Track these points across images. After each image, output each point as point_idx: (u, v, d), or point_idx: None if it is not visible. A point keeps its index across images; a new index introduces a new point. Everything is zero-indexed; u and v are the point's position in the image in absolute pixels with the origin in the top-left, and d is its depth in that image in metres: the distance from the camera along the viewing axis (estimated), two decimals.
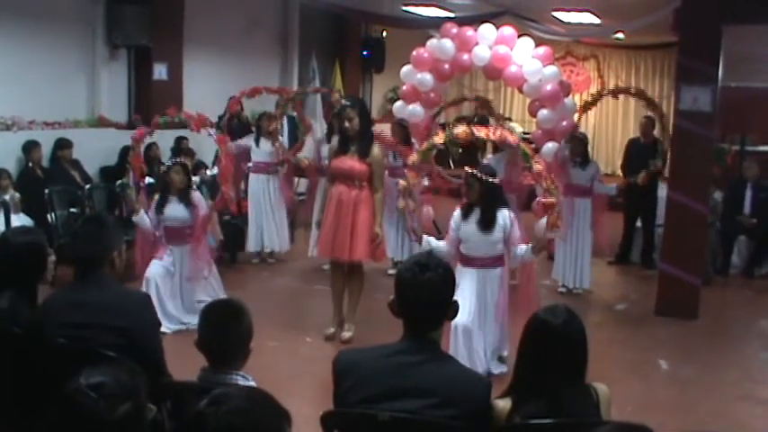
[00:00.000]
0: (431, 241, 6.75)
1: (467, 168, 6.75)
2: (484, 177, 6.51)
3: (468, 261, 6.61)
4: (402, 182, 7.17)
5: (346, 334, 7.44)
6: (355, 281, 7.53)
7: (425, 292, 2.96)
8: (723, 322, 9.02)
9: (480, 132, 6.84)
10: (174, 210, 7.81)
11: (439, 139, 6.88)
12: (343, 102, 8.15)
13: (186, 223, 7.83)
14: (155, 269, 7.67)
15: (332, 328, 7.56)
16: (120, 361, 3.20)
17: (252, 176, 10.47)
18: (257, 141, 10.47)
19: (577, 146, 9.74)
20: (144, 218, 7.73)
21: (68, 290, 3.81)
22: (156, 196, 7.94)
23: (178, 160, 8.12)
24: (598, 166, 9.90)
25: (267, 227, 10.53)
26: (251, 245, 10.56)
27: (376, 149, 7.33)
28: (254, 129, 10.78)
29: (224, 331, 3.28)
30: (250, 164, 10.42)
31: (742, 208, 11.20)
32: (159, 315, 7.18)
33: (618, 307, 9.46)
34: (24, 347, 3.53)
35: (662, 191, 11.21)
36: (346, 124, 7.18)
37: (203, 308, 3.43)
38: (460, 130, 6.81)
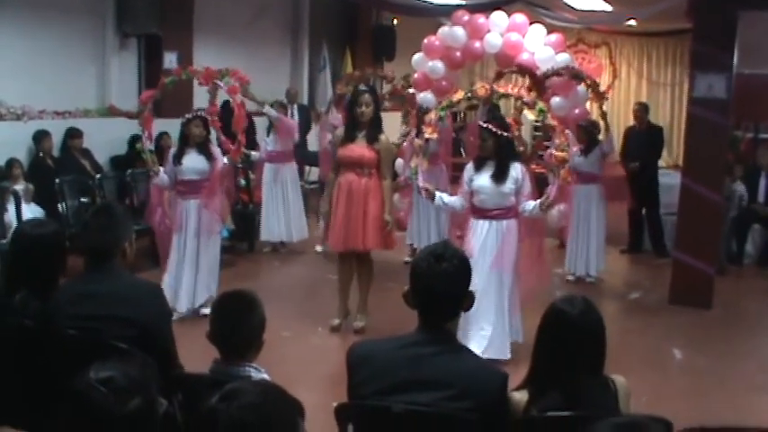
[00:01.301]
0: (443, 197, 6.80)
1: (480, 122, 6.76)
2: (497, 131, 6.55)
3: (482, 213, 6.66)
4: (417, 141, 7.18)
5: (359, 324, 7.40)
6: (365, 270, 7.48)
7: (441, 282, 2.91)
8: (737, 312, 8.95)
9: (500, 89, 6.86)
10: (194, 161, 7.66)
11: (458, 95, 6.86)
12: (360, 88, 8.03)
13: (205, 176, 7.69)
14: (174, 249, 7.64)
15: (337, 319, 7.50)
16: (130, 354, 3.16)
17: (265, 166, 10.45)
18: (269, 131, 10.47)
19: (581, 134, 9.67)
20: (164, 177, 7.61)
21: (79, 281, 3.77)
22: (173, 149, 7.85)
23: (197, 113, 7.86)
24: (603, 150, 9.75)
25: (280, 216, 10.51)
26: (264, 234, 10.54)
27: (384, 136, 7.29)
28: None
29: (236, 323, 3.23)
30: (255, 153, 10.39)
31: (756, 196, 11.10)
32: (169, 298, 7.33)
33: (631, 296, 9.41)
34: (35, 340, 3.49)
35: (668, 177, 11.21)
36: (359, 110, 7.10)
37: (215, 299, 3.39)
38: (479, 86, 6.82)
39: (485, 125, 6.65)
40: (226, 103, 9.13)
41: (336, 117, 10.77)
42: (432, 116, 6.95)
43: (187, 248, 7.65)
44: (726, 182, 9.75)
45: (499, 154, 6.57)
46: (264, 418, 1.96)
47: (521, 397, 3.03)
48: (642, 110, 11.81)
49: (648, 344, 7.62)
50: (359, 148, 7.11)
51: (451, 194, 6.95)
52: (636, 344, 7.54)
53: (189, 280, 7.67)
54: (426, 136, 6.95)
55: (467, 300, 3.00)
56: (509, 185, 6.55)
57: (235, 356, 3.24)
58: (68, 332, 3.50)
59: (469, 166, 6.72)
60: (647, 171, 11.12)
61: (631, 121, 19.52)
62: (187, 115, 7.83)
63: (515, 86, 9.03)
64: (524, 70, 9.65)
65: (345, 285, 7.54)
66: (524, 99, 6.89)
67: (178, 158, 7.63)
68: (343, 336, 7.30)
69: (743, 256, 11.08)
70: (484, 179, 6.58)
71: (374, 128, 7.18)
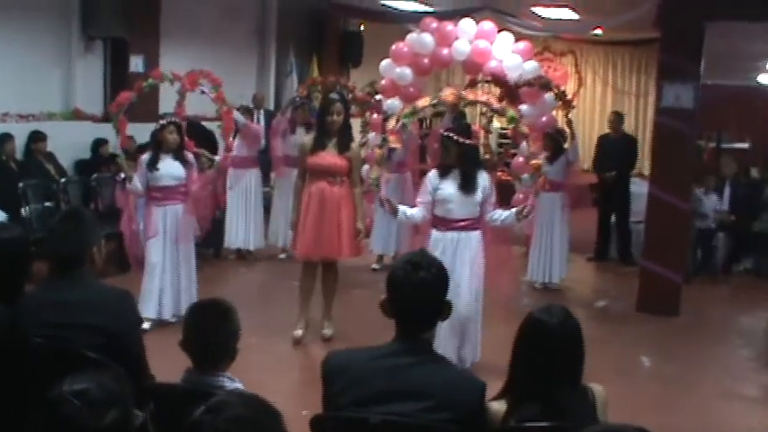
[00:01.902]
0: (405, 211, 6.52)
1: (441, 130, 6.64)
2: (460, 139, 6.36)
3: (447, 224, 6.40)
4: (378, 150, 7.04)
5: (327, 332, 7.35)
6: (332, 277, 7.39)
7: (418, 291, 2.88)
8: (704, 319, 9.02)
9: (469, 96, 6.79)
10: (171, 167, 7.49)
11: (423, 102, 6.78)
12: (331, 96, 7.94)
13: (182, 181, 7.54)
14: (156, 254, 7.47)
15: (300, 330, 7.32)
16: (105, 365, 3.09)
17: (230, 171, 10.33)
18: (235, 135, 10.36)
19: (547, 142, 9.68)
20: (137, 185, 7.45)
21: (47, 288, 3.68)
22: (146, 155, 7.58)
23: (172, 120, 7.66)
24: (569, 158, 9.78)
25: (240, 223, 10.43)
26: (227, 240, 10.45)
27: (354, 144, 7.26)
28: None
29: (210, 332, 3.17)
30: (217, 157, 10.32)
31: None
32: (155, 305, 7.28)
33: (598, 304, 9.44)
34: (1, 349, 3.40)
35: (635, 186, 11.29)
36: (330, 118, 7.00)
37: (189, 307, 3.32)
38: (447, 92, 6.75)
39: (445, 133, 6.47)
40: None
41: (283, 119, 10.74)
42: (392, 123, 6.87)
43: (168, 255, 7.53)
44: (693, 191, 9.83)
45: (463, 162, 6.36)
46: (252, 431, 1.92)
47: (498, 407, 2.99)
48: (617, 119, 11.89)
49: (616, 352, 7.65)
50: (330, 157, 7.02)
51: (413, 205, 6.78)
52: (604, 352, 7.51)
53: (173, 286, 7.57)
54: (391, 145, 6.90)
55: (444, 309, 2.97)
56: (479, 195, 6.35)
57: (208, 366, 3.18)
58: (35, 340, 3.42)
59: (433, 175, 6.46)
60: (621, 180, 11.19)
61: (597, 129, 19.95)
62: (161, 122, 7.64)
63: (485, 93, 9.03)
64: (498, 80, 9.64)
65: (308, 295, 7.39)
66: (493, 106, 6.88)
67: (153, 164, 7.45)
68: (310, 344, 7.24)
69: (709, 265, 11.18)
70: (450, 188, 6.35)
71: (345, 136, 7.12)
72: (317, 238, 7.04)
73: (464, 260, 6.35)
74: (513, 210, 6.46)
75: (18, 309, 3.59)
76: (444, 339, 6.07)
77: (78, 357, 3.32)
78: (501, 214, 6.43)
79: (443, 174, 6.40)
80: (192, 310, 3.33)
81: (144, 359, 3.64)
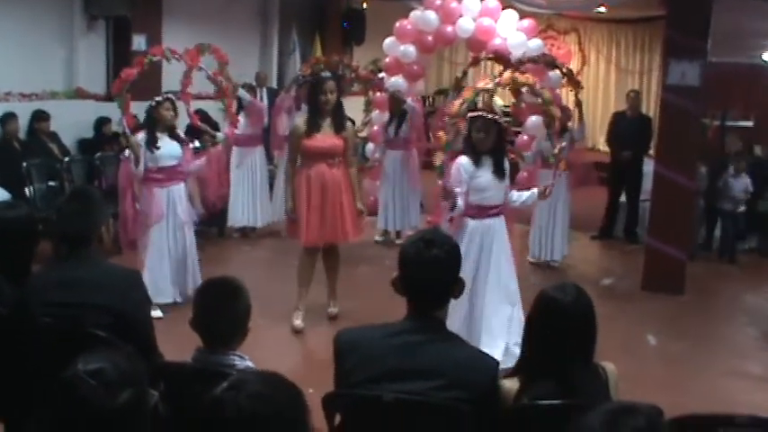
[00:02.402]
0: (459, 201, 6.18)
1: (483, 113, 6.38)
2: (500, 122, 6.22)
3: (483, 211, 6.19)
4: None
5: (333, 310, 7.34)
6: (334, 258, 7.30)
7: (431, 269, 2.85)
8: (709, 297, 9.02)
9: (521, 78, 6.77)
10: (170, 146, 7.35)
11: (484, 84, 6.72)
12: (323, 74, 7.80)
13: (180, 161, 7.42)
14: (161, 238, 7.38)
15: (298, 320, 7.12)
16: (114, 344, 3.08)
17: (234, 149, 10.27)
18: (238, 113, 10.32)
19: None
20: (141, 168, 7.30)
21: (55, 267, 3.66)
22: (142, 135, 7.35)
23: (167, 96, 7.53)
24: (574, 136, 9.69)
25: (246, 201, 10.41)
26: (231, 219, 10.45)
27: (348, 123, 7.17)
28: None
29: (221, 311, 3.15)
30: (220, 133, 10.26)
31: None
32: (159, 287, 7.15)
33: (604, 282, 9.41)
34: (10, 328, 3.40)
35: (647, 166, 11.21)
36: (323, 98, 6.80)
37: (199, 286, 3.30)
38: (507, 75, 6.72)
39: (489, 116, 6.17)
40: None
41: (287, 97, 10.70)
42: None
43: (172, 237, 7.45)
44: (700, 170, 9.80)
45: (499, 147, 6.18)
46: (274, 408, 1.89)
47: (511, 385, 2.98)
48: (637, 98, 11.79)
49: (623, 330, 7.61)
50: (329, 138, 6.86)
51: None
52: (610, 330, 7.39)
53: (180, 268, 7.50)
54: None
55: (456, 287, 2.95)
56: (506, 179, 6.24)
57: (218, 344, 3.16)
58: (44, 320, 3.41)
59: (467, 162, 6.06)
60: (635, 160, 11.10)
61: (600, 107, 19.89)
62: (156, 98, 7.45)
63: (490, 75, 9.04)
64: (500, 57, 9.59)
65: (308, 279, 7.21)
66: (537, 88, 6.78)
67: (153, 144, 7.27)
68: (314, 324, 7.22)
69: (712, 242, 11.16)
70: (486, 174, 6.09)
71: (340, 116, 6.96)
72: (323, 224, 6.92)
73: (501, 246, 6.24)
74: (534, 190, 6.40)
75: (26, 288, 3.58)
76: (498, 329, 6.09)
77: (87, 336, 3.31)
78: (521, 195, 6.37)
79: (477, 161, 6.10)
80: (202, 289, 3.30)
81: (153, 338, 3.62)
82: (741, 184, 10.69)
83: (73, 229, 3.62)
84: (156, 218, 7.33)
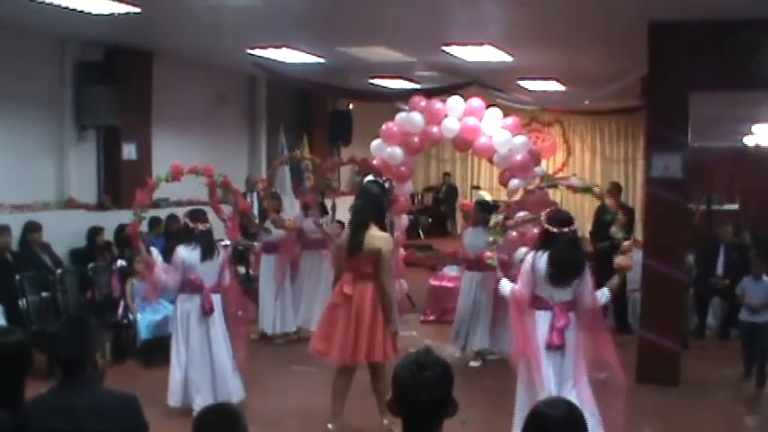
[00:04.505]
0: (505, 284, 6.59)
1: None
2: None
3: (543, 304, 6.43)
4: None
5: (386, 422, 7.06)
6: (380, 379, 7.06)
7: (424, 391, 2.89)
8: (705, 387, 8.97)
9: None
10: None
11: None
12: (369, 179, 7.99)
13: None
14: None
15: (333, 425, 7.09)
16: None
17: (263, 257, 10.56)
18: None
19: (476, 211, 9.94)
20: (169, 280, 7.49)
21: (51, 394, 3.67)
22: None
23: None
24: None
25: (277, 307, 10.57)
26: (265, 325, 10.62)
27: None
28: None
29: None
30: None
31: (715, 269, 11.23)
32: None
33: (599, 377, 9.37)
34: None
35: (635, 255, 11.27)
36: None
37: (197, 414, 3.31)
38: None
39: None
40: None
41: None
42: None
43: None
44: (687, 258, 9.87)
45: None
46: None
47: None
48: (614, 189, 11.95)
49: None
50: None
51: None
52: (606, 426, 7.50)
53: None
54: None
55: (450, 407, 2.98)
56: None
57: None
58: None
59: (540, 255, 6.37)
60: (617, 250, 11.16)
61: (588, 198, 20.05)
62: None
63: None
64: None
65: (343, 394, 7.12)
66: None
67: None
68: None
69: (705, 329, 11.20)
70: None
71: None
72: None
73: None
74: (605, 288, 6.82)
75: (21, 414, 3.59)
76: None
77: None
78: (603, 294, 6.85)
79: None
80: (199, 417, 3.31)
81: None
82: (760, 289, 9.14)
83: (69, 354, 3.65)
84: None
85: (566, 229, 6.34)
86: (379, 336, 6.82)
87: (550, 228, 6.34)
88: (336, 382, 7.07)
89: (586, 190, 7.26)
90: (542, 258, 6.29)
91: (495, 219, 7.08)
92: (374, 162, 10.62)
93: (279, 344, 10.47)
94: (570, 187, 7.75)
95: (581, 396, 6.26)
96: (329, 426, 7.06)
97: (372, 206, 7.01)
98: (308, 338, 8.85)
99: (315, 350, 7.07)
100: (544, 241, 6.41)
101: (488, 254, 6.98)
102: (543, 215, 6.54)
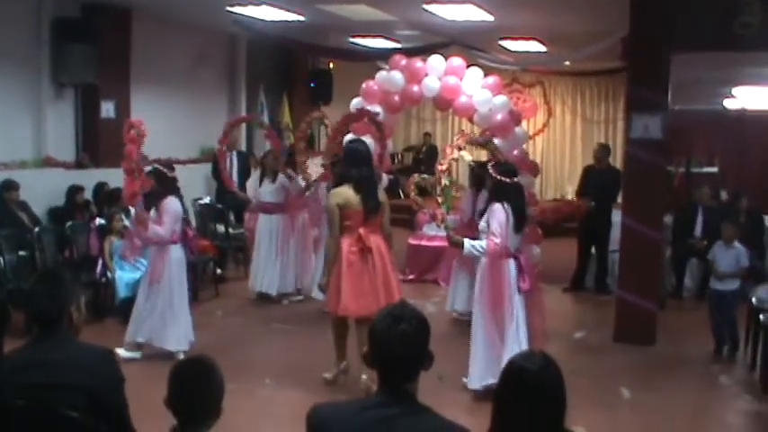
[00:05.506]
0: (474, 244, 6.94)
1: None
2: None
3: (508, 252, 6.91)
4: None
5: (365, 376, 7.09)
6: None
7: (399, 344, 2.88)
8: (681, 346, 9.05)
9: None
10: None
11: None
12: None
13: None
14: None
15: (329, 373, 7.37)
16: (87, 426, 3.07)
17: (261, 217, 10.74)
18: (261, 180, 10.56)
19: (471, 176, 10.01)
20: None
21: (27, 349, 3.65)
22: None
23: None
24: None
25: (271, 269, 10.62)
26: (255, 284, 10.76)
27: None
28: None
29: (195, 391, 3.16)
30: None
31: (693, 231, 11.29)
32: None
33: (576, 335, 9.47)
34: None
35: (616, 216, 11.34)
36: None
37: (172, 366, 3.31)
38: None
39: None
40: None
41: None
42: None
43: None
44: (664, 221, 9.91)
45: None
46: None
47: None
48: (602, 151, 11.99)
49: (597, 383, 7.66)
50: None
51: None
52: (584, 384, 7.56)
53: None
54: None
55: (426, 360, 2.98)
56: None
57: (192, 424, 3.17)
58: (18, 402, 3.40)
59: (502, 204, 6.83)
60: (603, 211, 11.25)
61: (567, 158, 20.14)
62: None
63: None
64: None
65: (343, 337, 7.43)
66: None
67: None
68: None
69: (682, 290, 11.29)
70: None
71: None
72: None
73: None
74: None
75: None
76: None
77: (60, 419, 3.31)
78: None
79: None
80: (176, 368, 3.31)
81: (128, 418, 3.62)
82: (730, 256, 8.59)
83: (43, 309, 3.63)
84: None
85: (516, 179, 6.93)
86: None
87: (504, 179, 6.85)
88: (338, 327, 7.38)
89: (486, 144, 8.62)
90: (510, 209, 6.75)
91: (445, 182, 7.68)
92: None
93: (285, 305, 10.57)
94: (475, 143, 9.28)
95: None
96: (341, 366, 7.41)
97: (372, 167, 7.41)
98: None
99: (356, 314, 7.01)
100: (499, 193, 6.88)
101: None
102: (492, 169, 7.04)
